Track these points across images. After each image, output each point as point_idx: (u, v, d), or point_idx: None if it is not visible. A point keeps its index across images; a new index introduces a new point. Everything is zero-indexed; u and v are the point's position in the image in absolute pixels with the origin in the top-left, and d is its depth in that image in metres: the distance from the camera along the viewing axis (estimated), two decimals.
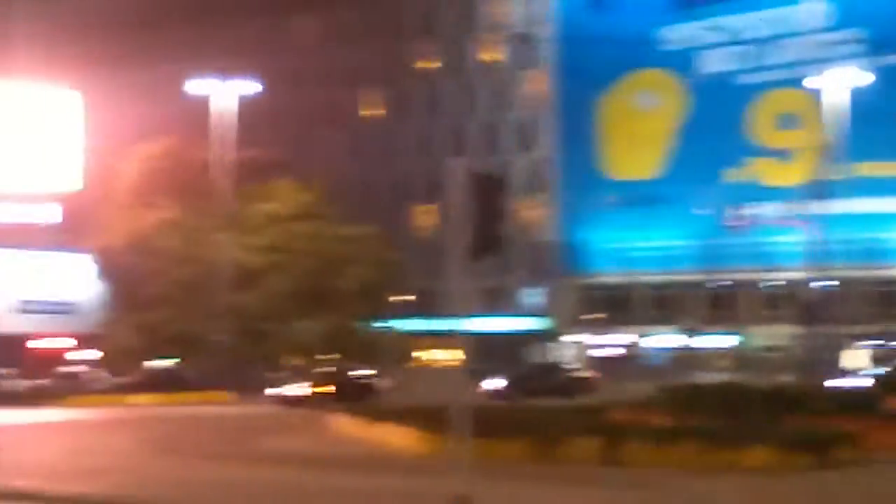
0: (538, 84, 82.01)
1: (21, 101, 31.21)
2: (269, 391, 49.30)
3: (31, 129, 29.57)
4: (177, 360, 60.42)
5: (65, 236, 53.37)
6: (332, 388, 47.34)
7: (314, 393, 47.06)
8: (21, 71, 55.66)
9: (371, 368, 54.88)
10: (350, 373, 52.34)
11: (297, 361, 60.62)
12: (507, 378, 50.51)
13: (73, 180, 32.77)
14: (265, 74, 70.42)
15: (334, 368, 55.03)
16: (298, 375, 53.72)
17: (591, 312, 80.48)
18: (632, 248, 77.48)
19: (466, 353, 17.02)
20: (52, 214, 36.24)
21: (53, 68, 54.42)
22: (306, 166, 71.00)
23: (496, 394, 46.95)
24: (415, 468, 20.11)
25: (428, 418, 22.87)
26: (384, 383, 51.24)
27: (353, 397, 44.97)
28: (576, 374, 54.62)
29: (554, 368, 61.26)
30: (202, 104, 59.45)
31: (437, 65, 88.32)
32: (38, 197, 32.26)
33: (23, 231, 39.98)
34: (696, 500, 15.66)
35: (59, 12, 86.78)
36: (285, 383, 51.08)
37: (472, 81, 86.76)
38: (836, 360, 55.97)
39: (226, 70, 60.86)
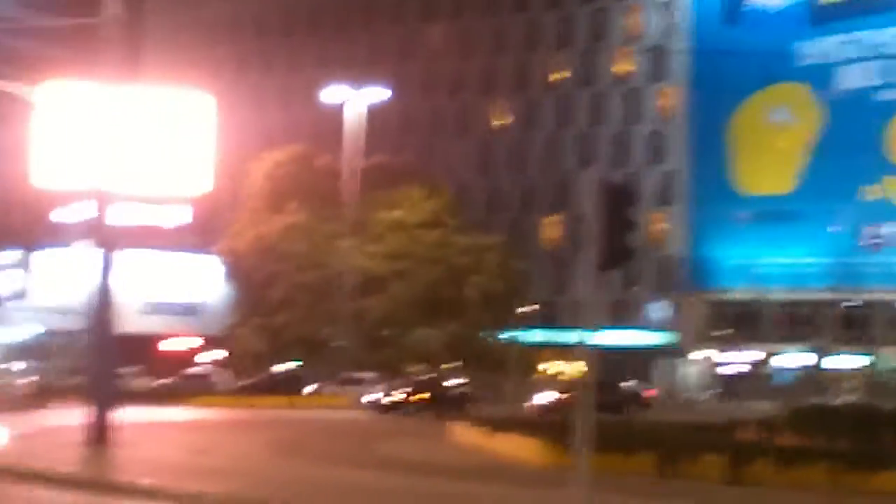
0: (670, 97, 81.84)
1: (156, 104, 29.42)
2: (365, 398, 49.26)
3: (165, 132, 29.11)
4: (299, 363, 60.44)
5: (194, 238, 54.84)
6: (426, 397, 47.67)
7: (408, 401, 47.42)
8: (157, 76, 65.19)
9: (485, 378, 55.62)
10: (445, 382, 52.38)
11: (415, 369, 59.10)
12: (557, 392, 50.14)
13: (204, 183, 31.68)
14: (395, 81, 71.06)
15: (429, 377, 54.52)
16: (394, 383, 52.97)
17: (719, 328, 79.02)
18: (762, 265, 75.65)
19: (591, 366, 16.10)
20: (183, 216, 36.18)
21: (189, 73, 55.07)
22: (433, 174, 71.30)
23: (544, 408, 45.91)
24: (535, 479, 19.90)
25: (551, 429, 22.90)
26: (479, 393, 51.34)
27: (448, 406, 45.42)
28: (632, 391, 53.51)
29: (610, 385, 55.05)
30: (330, 110, 60.20)
31: (568, 75, 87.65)
32: (170, 199, 32.00)
33: (153, 233, 40.37)
34: None
35: (194, 19, 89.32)
36: (381, 390, 51.12)
37: (603, 93, 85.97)
38: None
39: (357, 77, 61.31)
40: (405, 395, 47.59)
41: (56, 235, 47.95)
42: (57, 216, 38.31)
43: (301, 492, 17.39)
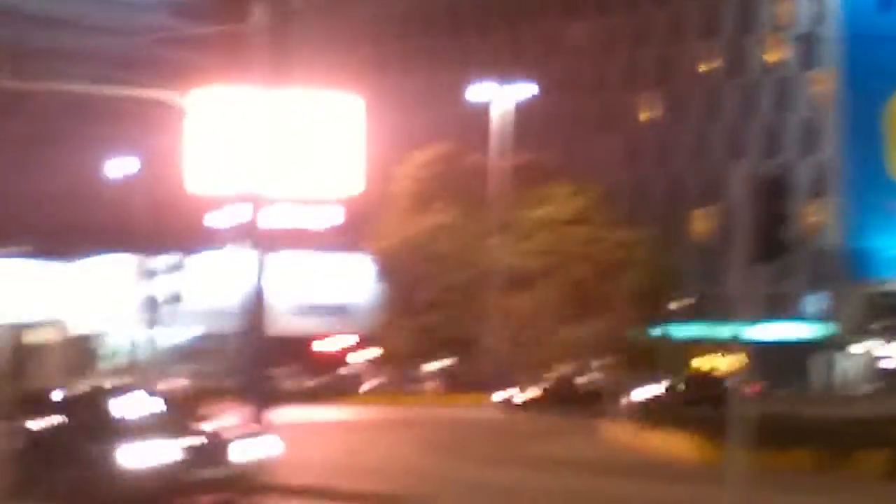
0: (823, 85, 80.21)
1: (306, 107, 28.89)
2: (495, 397, 49.97)
3: (315, 134, 29.10)
4: (450, 361, 61.76)
5: (346, 239, 55.28)
6: (557, 394, 48.30)
7: (541, 399, 47.98)
8: (304, 79, 66.63)
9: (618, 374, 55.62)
10: (580, 379, 53.22)
11: (565, 367, 58.95)
12: (663, 387, 49.50)
13: (354, 184, 31.27)
14: (541, 78, 70.56)
15: (561, 375, 55.28)
16: (527, 381, 53.54)
17: (878, 321, 77.60)
18: None
19: (748, 360, 15.31)
20: (335, 218, 33.56)
21: (336, 75, 55.91)
22: (581, 170, 70.80)
23: (640, 405, 44.50)
24: (690, 476, 19.90)
25: (704, 424, 23.18)
26: (618, 389, 50.16)
27: (583, 403, 46.13)
28: (733, 385, 52.39)
29: (711, 379, 56.55)
30: (475, 109, 61.32)
31: (717, 66, 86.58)
32: (322, 201, 30.69)
33: (306, 234, 41.51)
34: None
35: (336, 23, 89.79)
36: (515, 389, 51.63)
37: (753, 82, 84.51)
38: None
39: (502, 75, 61.63)
40: (539, 394, 48.45)
41: (210, 239, 48.62)
42: (211, 220, 37.71)
43: (463, 492, 17.75)
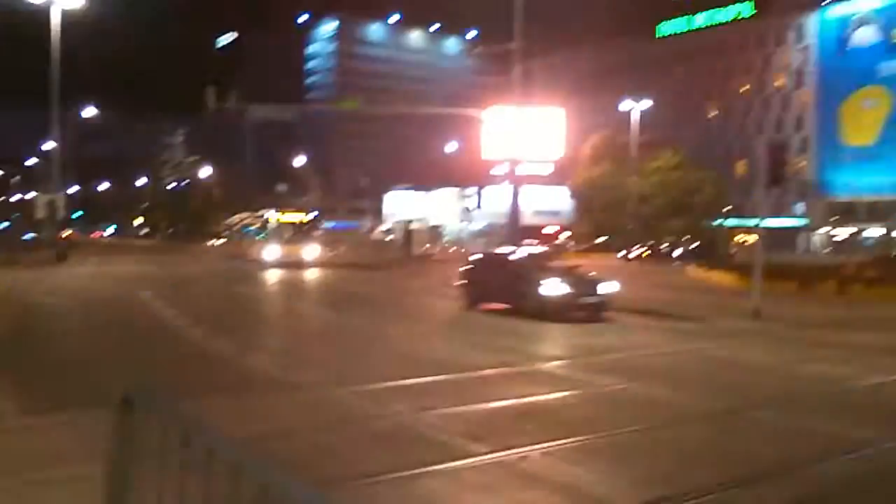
0: (806, 96, 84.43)
1: (537, 115, 33.47)
2: (619, 254, 53.05)
3: (541, 127, 33.19)
4: (606, 238, 64.80)
5: (555, 178, 55.93)
6: (648, 253, 52.83)
7: (640, 255, 52.28)
8: (538, 100, 55.12)
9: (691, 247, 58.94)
10: (668, 247, 56.78)
11: (669, 241, 63.19)
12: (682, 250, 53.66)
13: (558, 151, 36.37)
14: (655, 95, 71.71)
15: (648, 245, 59.30)
16: (634, 245, 58.47)
17: (833, 216, 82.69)
18: (857, 182, 78.90)
19: (761, 238, 18.52)
20: (549, 168, 36.81)
21: (552, 98, 57.77)
22: (677, 142, 74.30)
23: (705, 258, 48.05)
24: (730, 293, 22.07)
25: (739, 267, 25.08)
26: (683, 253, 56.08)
27: (667, 260, 51.26)
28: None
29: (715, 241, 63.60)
30: (623, 113, 63.15)
31: (748, 87, 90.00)
32: (543, 160, 34.90)
33: (536, 177, 40.82)
34: (887, 315, 17.07)
35: (556, 71, 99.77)
36: (629, 250, 56.11)
37: (769, 95, 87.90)
38: None
39: (636, 95, 62.91)
40: (639, 253, 52.57)
41: (493, 180, 49.02)
42: (494, 171, 39.32)
43: (656, 298, 19.86)
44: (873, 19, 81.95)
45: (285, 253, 39.25)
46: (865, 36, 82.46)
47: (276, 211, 42.05)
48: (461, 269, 19.56)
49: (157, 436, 2.56)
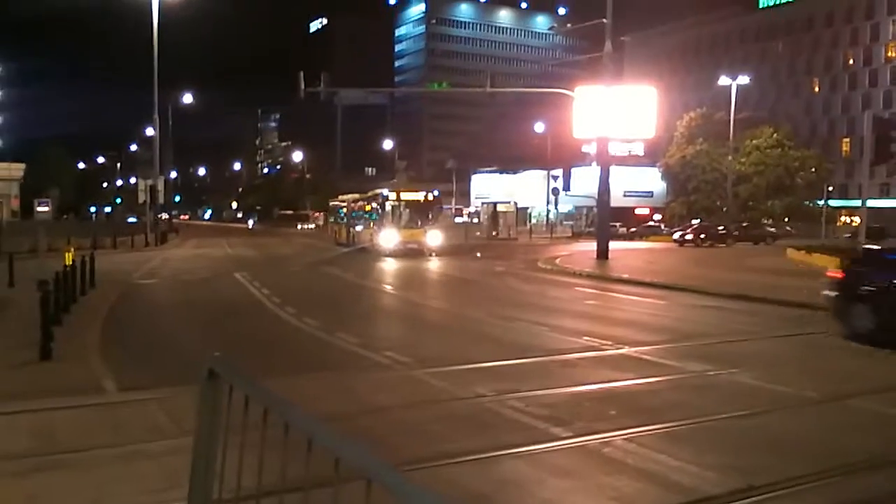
0: None
1: (628, 93, 32.83)
2: (675, 236, 51.79)
3: (632, 106, 31.90)
4: (701, 220, 61.71)
5: (646, 158, 53.12)
6: (702, 236, 50.27)
7: (694, 238, 50.30)
8: (629, 79, 68.28)
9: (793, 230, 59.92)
10: (719, 228, 53.53)
11: (768, 224, 61.93)
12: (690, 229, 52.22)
13: (650, 131, 34.33)
14: (754, 73, 73.68)
15: (704, 224, 56.61)
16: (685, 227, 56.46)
17: None
18: None
19: (864, 218, 18.86)
20: (641, 148, 35.77)
21: (645, 77, 62.92)
22: (778, 119, 76.19)
23: (682, 240, 49.53)
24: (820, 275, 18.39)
25: (837, 251, 23.86)
26: (781, 233, 55.94)
27: (748, 238, 51.81)
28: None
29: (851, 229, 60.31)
30: (722, 88, 60.87)
31: (854, 60, 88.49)
32: (634, 139, 33.59)
33: (628, 158, 39.50)
34: None
35: (648, 48, 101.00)
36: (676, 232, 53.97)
37: (877, 69, 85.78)
38: None
39: (734, 72, 60.99)
40: (693, 236, 50.58)
41: (584, 158, 48.14)
42: (585, 149, 38.44)
43: (706, 283, 19.21)
44: None
45: (404, 239, 34.40)
46: None
47: (390, 191, 36.54)
48: (835, 277, 13.00)
49: (240, 408, 2.69)
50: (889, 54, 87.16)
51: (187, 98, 57.60)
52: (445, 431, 6.69)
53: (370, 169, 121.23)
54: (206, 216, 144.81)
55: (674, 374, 9.40)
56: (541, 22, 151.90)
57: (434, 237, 34.99)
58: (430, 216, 35.99)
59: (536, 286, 20.40)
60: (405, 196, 35.92)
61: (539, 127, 74.19)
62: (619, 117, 31.53)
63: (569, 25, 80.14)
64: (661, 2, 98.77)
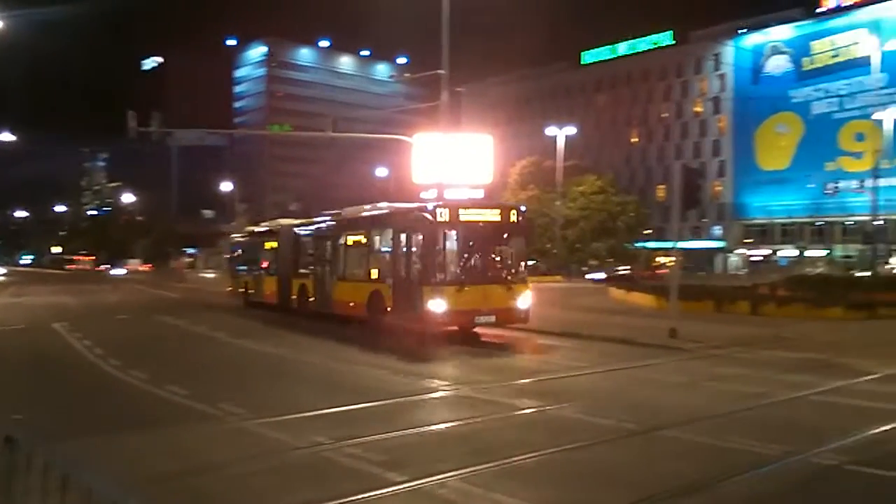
0: (723, 122, 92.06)
1: (465, 141, 33.18)
2: (588, 276, 58.78)
3: (469, 154, 31.82)
4: (534, 261, 58.71)
5: (486, 202, 56.19)
6: (606, 277, 54.08)
7: (605, 279, 53.45)
8: (465, 127, 69.34)
9: (630, 269, 64.19)
10: (617, 270, 61.22)
11: (593, 264, 69.20)
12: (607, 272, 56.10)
13: (487, 177, 32.76)
14: (580, 122, 77.53)
15: (615, 268, 62.68)
16: (596, 271, 62.84)
17: (748, 238, 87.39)
18: (771, 205, 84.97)
19: (677, 259, 20.42)
20: (477, 193, 30.98)
21: (479, 125, 62.95)
22: (601, 168, 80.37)
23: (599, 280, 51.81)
24: (649, 314, 22.40)
25: (659, 289, 25.25)
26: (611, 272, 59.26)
27: (622, 281, 49.93)
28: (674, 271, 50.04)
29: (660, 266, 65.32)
30: (550, 139, 63.53)
31: (669, 114, 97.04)
32: (472, 185, 31.53)
33: (467, 202, 39.60)
34: (797, 332, 17.27)
35: (484, 98, 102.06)
36: (592, 273, 60.47)
37: (688, 122, 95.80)
38: (884, 263, 55.41)
39: (561, 122, 64.28)
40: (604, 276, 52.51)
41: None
42: (423, 196, 31.35)
43: (540, 323, 18.76)
44: (784, 49, 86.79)
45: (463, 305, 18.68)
46: (778, 64, 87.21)
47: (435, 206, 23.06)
48: None
49: (38, 476, 2.49)
50: (696, 109, 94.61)
51: (5, 136, 52.99)
52: (278, 485, 6.50)
53: (208, 211, 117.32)
54: (26, 261, 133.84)
55: (509, 411, 9.64)
56: (381, 70, 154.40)
57: (525, 299, 17.47)
58: (513, 255, 17.81)
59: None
60: (468, 215, 17.31)
61: (381, 171, 74.95)
62: (457, 164, 31.16)
63: (407, 75, 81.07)
64: (495, 55, 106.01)
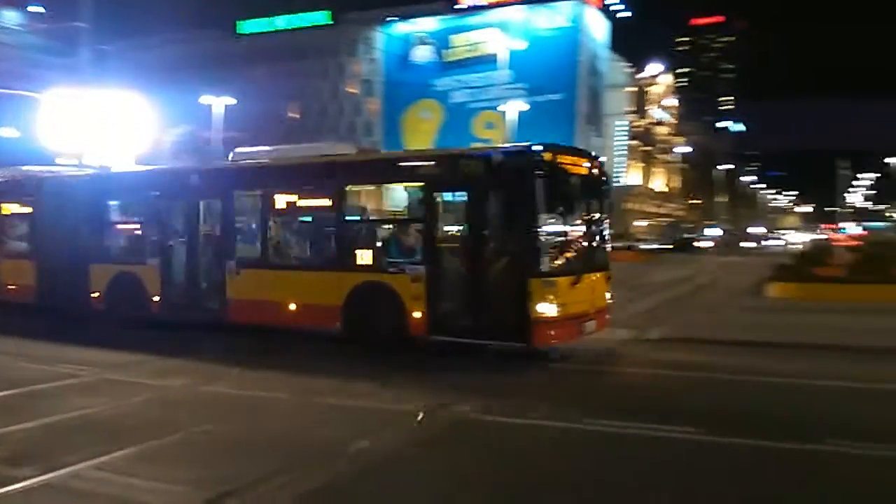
0: (374, 104, 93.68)
1: (107, 102, 30.34)
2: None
3: (114, 118, 29.70)
4: None
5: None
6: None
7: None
8: (105, 84, 70.81)
9: None
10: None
11: None
12: None
13: (139, 143, 32.16)
14: (237, 94, 72.98)
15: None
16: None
17: None
18: None
19: None
20: (129, 160, 32.19)
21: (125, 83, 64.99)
22: (260, 140, 78.03)
23: None
24: None
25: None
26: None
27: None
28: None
29: None
30: (206, 107, 62.03)
31: (327, 93, 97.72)
32: (119, 151, 30.62)
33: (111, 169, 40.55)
34: None
35: (136, 56, 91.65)
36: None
37: (342, 101, 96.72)
38: None
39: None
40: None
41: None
42: (60, 160, 30.42)
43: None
44: (428, 40, 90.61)
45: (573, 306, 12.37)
46: (423, 54, 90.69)
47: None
48: None
49: None
50: (350, 90, 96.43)
51: None
52: None
53: None
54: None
55: (152, 392, 9.19)
56: (11, 17, 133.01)
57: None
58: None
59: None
60: (566, 160, 11.17)
61: (7, 132, 60.95)
62: (100, 126, 29.94)
63: (42, 26, 70.88)
64: (151, 14, 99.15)
